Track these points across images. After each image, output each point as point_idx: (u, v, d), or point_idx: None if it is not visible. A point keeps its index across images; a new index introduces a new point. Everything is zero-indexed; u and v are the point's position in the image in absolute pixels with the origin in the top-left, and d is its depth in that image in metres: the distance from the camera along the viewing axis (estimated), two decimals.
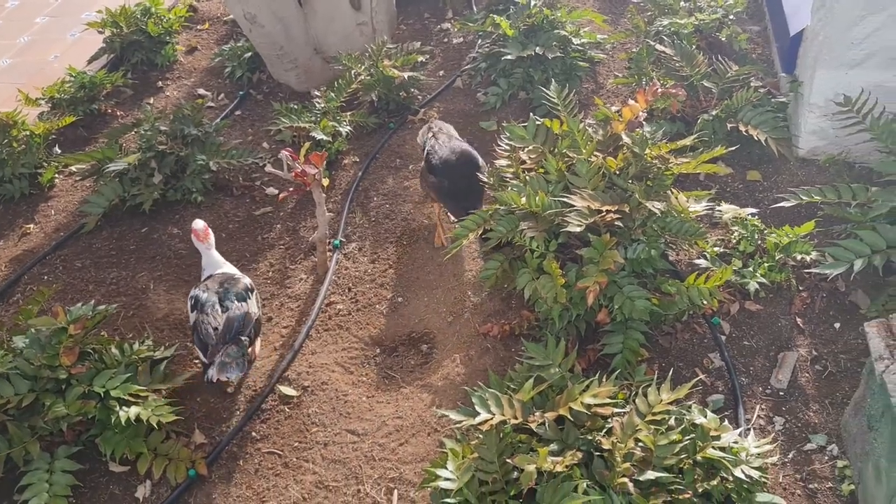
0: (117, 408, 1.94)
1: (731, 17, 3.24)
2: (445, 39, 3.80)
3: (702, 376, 2.13)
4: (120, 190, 2.76)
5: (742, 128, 2.66)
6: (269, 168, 2.36)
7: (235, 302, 2.11)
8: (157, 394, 2.06)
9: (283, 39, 3.33)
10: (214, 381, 2.00)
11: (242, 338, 2.07)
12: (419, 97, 3.37)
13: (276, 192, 2.94)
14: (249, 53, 3.56)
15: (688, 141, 2.26)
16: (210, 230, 2.30)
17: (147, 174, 2.75)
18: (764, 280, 2.24)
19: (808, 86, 2.59)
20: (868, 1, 2.30)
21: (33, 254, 2.75)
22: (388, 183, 2.97)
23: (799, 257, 2.27)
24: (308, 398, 2.21)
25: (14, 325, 2.23)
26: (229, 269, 2.29)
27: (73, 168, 2.90)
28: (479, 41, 3.53)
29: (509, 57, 3.15)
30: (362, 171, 3.01)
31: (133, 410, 1.93)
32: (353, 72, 3.19)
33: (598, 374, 1.86)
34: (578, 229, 2.03)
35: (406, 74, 3.18)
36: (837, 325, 2.20)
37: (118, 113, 3.40)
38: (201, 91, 3.56)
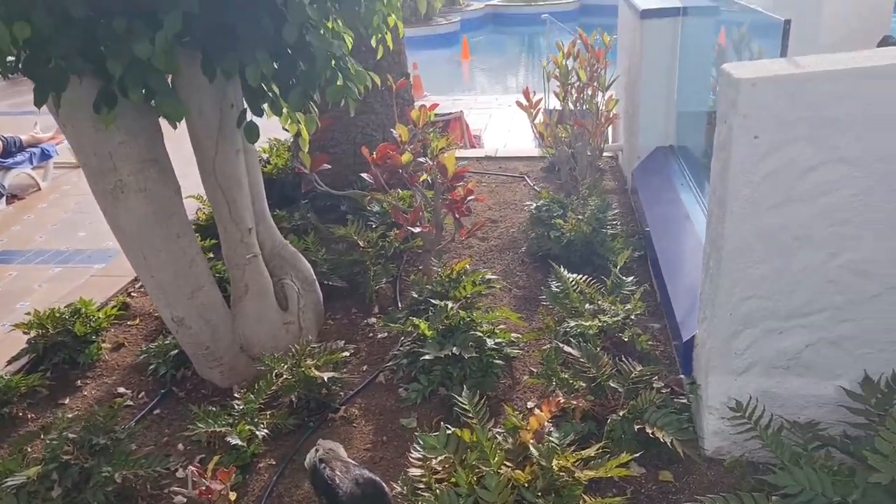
0: None
1: (633, 317, 3.51)
2: (371, 334, 3.97)
3: None
4: None
5: (648, 429, 2.75)
6: (174, 488, 2.30)
7: None
8: None
9: (210, 340, 3.42)
10: None
11: None
12: (341, 394, 3.42)
13: (185, 500, 2.82)
14: (175, 351, 3.62)
15: (592, 451, 2.33)
16: None
17: (46, 487, 2.63)
18: None
19: (704, 389, 2.75)
20: (742, 317, 2.55)
21: None
22: (304, 488, 2.89)
23: None
24: None
25: None
26: None
27: None
28: (402, 338, 3.70)
29: (428, 357, 3.29)
30: (277, 476, 2.94)
31: None
32: (274, 372, 3.26)
33: None
34: None
35: (326, 375, 3.26)
36: None
37: (30, 416, 3.32)
38: (121, 389, 3.55)
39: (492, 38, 23.15)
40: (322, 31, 3.04)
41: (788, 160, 2.33)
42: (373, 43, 3.57)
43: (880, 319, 2.46)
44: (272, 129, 4.26)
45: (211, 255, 4.43)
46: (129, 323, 4.15)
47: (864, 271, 2.41)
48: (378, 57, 4.16)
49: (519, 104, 5.60)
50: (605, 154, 5.86)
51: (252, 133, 3.01)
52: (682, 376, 3.06)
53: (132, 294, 4.53)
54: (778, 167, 2.34)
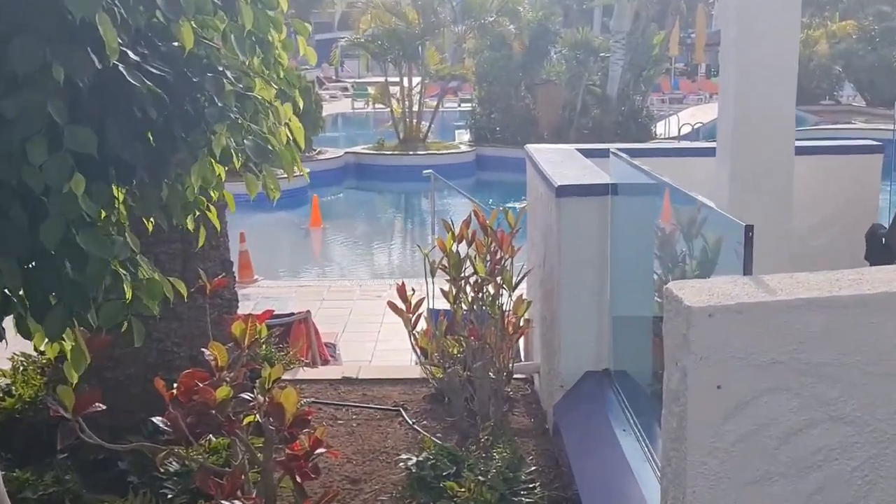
0: None
1: None
2: None
3: None
4: None
5: None
6: None
7: None
8: None
9: None
10: None
11: None
12: None
13: None
14: None
15: None
16: None
17: None
18: None
19: None
20: None
21: None
22: None
23: None
24: None
25: None
26: None
27: None
28: None
29: None
30: None
31: None
32: None
33: None
34: None
35: None
36: None
37: None
38: None
39: (353, 198, 24.01)
40: (105, 219, 3.02)
41: (766, 419, 2.42)
42: (189, 225, 3.60)
43: None
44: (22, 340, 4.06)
45: None
46: None
47: None
48: (199, 245, 4.23)
49: (392, 306, 5.68)
50: (515, 377, 5.96)
51: None
52: None
53: None
54: (753, 428, 2.42)
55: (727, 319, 2.38)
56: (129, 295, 2.99)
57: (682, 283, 2.59)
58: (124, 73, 2.55)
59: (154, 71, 2.70)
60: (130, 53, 2.64)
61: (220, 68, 3.01)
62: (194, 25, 2.88)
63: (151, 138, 2.85)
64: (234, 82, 3.05)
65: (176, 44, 2.87)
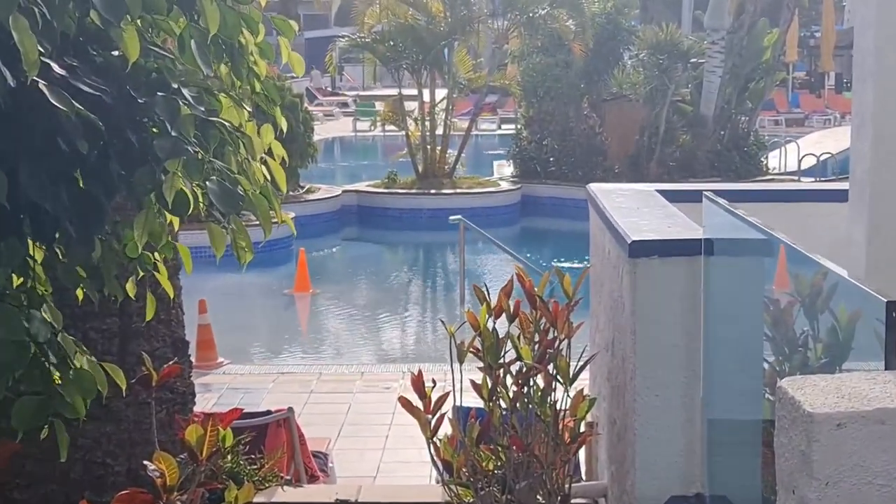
0: None
1: None
2: None
3: None
4: None
5: None
6: None
7: None
8: None
9: None
10: None
11: None
12: None
13: None
14: None
15: None
16: None
17: None
18: None
19: None
20: None
21: None
22: None
23: None
24: None
25: None
26: None
27: None
28: None
29: None
30: None
31: None
32: None
33: None
34: None
35: None
36: None
37: None
38: None
39: (354, 253, 23.94)
40: (17, 288, 3.07)
41: None
42: (129, 291, 3.55)
43: None
44: None
45: None
46: None
47: None
48: (145, 320, 4.16)
49: (405, 403, 5.39)
50: (573, 501, 5.74)
51: None
52: None
53: None
54: None
55: (863, 432, 2.29)
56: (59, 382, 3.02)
57: (800, 379, 2.55)
58: (46, 92, 2.52)
59: (86, 89, 2.68)
60: (55, 66, 2.61)
61: (175, 85, 2.99)
62: (140, 26, 2.90)
63: (81, 179, 2.84)
64: (192, 104, 2.99)
65: (116, 53, 2.90)
